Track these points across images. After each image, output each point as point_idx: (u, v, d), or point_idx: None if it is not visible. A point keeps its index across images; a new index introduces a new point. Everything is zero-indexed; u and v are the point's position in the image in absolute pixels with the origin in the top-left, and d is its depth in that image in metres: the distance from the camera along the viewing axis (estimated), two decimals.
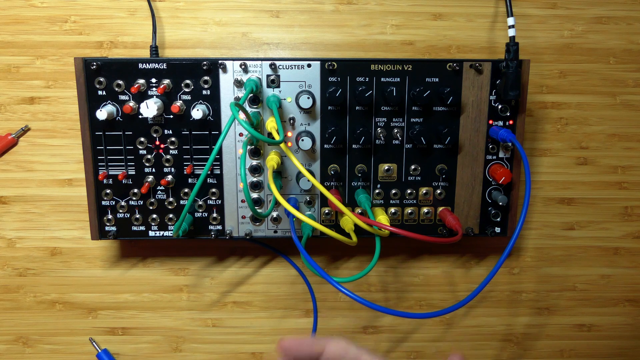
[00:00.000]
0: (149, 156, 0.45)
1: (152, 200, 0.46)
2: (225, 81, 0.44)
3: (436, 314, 0.36)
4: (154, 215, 0.47)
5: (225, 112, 0.45)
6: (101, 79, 0.43)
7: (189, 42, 0.50)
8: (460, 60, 0.44)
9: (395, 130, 0.45)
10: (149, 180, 0.45)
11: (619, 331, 0.57)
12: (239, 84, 0.44)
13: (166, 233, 0.47)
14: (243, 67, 0.44)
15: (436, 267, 0.54)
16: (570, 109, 0.52)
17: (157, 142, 0.45)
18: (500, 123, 0.46)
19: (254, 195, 0.46)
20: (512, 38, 0.45)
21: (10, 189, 0.51)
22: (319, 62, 0.44)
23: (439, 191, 0.47)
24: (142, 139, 0.45)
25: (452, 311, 0.36)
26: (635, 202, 0.54)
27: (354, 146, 0.46)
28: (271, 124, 0.42)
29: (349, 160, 0.46)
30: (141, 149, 0.45)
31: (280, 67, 0.44)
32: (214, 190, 0.46)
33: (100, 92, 0.44)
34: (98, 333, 0.54)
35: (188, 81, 0.44)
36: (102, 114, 0.43)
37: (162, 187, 0.46)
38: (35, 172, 0.51)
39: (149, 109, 0.42)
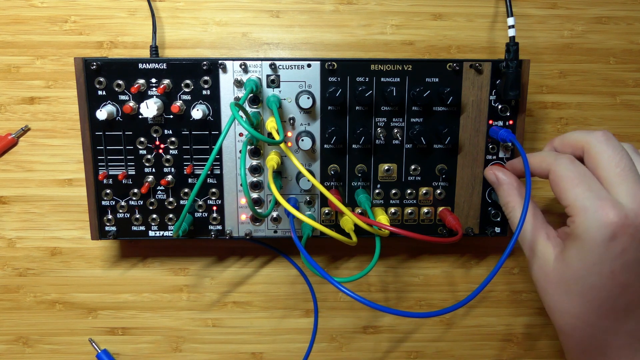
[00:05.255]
0: (149, 156, 0.45)
1: (152, 200, 0.46)
2: (225, 81, 0.44)
3: (436, 314, 0.36)
4: (154, 215, 0.47)
5: (225, 112, 0.45)
6: (101, 79, 0.43)
7: (189, 42, 0.50)
8: (460, 60, 0.44)
9: (395, 130, 0.45)
10: (149, 180, 0.45)
11: None
12: (239, 84, 0.44)
13: (166, 233, 0.47)
14: (243, 67, 0.44)
15: (436, 267, 0.54)
16: (570, 109, 0.52)
17: (157, 142, 0.45)
18: (500, 123, 0.46)
19: (254, 195, 0.46)
20: (512, 38, 0.45)
21: (10, 189, 0.51)
22: (319, 62, 0.44)
23: (439, 191, 0.47)
24: (142, 139, 0.45)
25: (452, 311, 0.36)
26: None
27: (354, 146, 0.46)
28: (271, 124, 0.42)
29: (349, 160, 0.46)
30: (141, 149, 0.45)
31: (280, 67, 0.44)
32: (214, 190, 0.46)
33: (100, 92, 0.44)
34: (98, 333, 0.54)
35: (188, 81, 0.44)
36: (102, 114, 0.43)
37: (162, 187, 0.46)
38: (35, 172, 0.51)
39: (149, 109, 0.42)
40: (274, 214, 0.47)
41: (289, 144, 0.45)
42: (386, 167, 0.46)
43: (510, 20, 0.45)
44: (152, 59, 0.44)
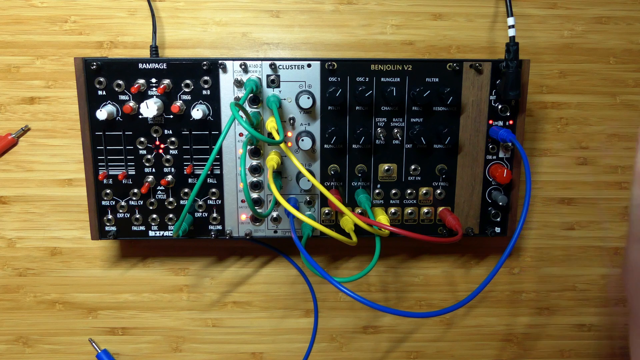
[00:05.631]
0: (149, 156, 0.45)
1: (152, 200, 0.46)
2: (225, 81, 0.44)
3: (436, 314, 0.36)
4: (154, 215, 0.47)
5: (225, 112, 0.45)
6: (101, 79, 0.43)
7: (189, 42, 0.50)
8: (460, 60, 0.44)
9: (395, 130, 0.45)
10: (149, 180, 0.45)
11: (619, 331, 0.57)
12: (239, 84, 0.44)
13: (166, 233, 0.47)
14: (243, 67, 0.44)
15: (436, 267, 0.54)
16: (570, 109, 0.52)
17: (157, 142, 0.45)
18: (500, 123, 0.46)
19: (254, 195, 0.46)
20: (512, 38, 0.45)
21: (10, 189, 0.51)
22: (319, 62, 0.44)
23: (439, 191, 0.47)
24: (142, 139, 0.45)
25: (452, 311, 0.36)
26: None
27: (354, 146, 0.46)
28: (271, 124, 0.42)
29: (349, 160, 0.46)
30: (141, 149, 0.45)
31: (280, 67, 0.44)
32: (214, 190, 0.46)
33: (100, 92, 0.44)
34: (98, 333, 0.54)
35: (188, 81, 0.44)
36: (102, 114, 0.43)
37: (162, 187, 0.46)
38: (35, 172, 0.51)
39: (149, 109, 0.42)
40: (274, 214, 0.47)
41: (289, 144, 0.45)
42: (386, 167, 0.46)
43: (510, 20, 0.45)
44: (152, 59, 0.44)
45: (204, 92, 0.44)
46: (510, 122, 0.46)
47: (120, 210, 0.46)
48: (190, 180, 0.46)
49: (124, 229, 0.47)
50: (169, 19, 0.50)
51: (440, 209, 0.47)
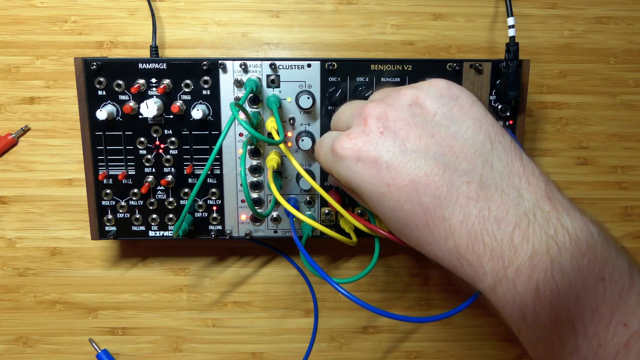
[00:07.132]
0: (149, 156, 0.45)
1: (152, 200, 0.46)
2: (225, 81, 0.44)
3: (436, 318, 0.36)
4: (154, 215, 0.47)
5: (225, 112, 0.45)
6: (101, 79, 0.43)
7: (189, 42, 0.50)
8: (460, 60, 0.44)
9: None
10: (149, 180, 0.45)
11: None
12: (239, 84, 0.44)
13: (166, 233, 0.47)
14: (243, 67, 0.43)
15: (436, 267, 0.54)
16: (570, 109, 0.52)
17: (157, 142, 0.45)
18: (501, 123, 0.46)
19: (254, 195, 0.46)
20: (512, 38, 0.45)
21: (10, 189, 0.51)
22: (319, 62, 0.44)
23: None
24: (142, 139, 0.45)
25: (453, 315, 0.36)
26: (635, 202, 0.54)
27: None
28: (271, 124, 0.42)
29: None
30: (141, 149, 0.45)
31: (280, 67, 0.44)
32: (214, 190, 0.46)
33: (100, 92, 0.44)
34: (98, 333, 0.54)
35: (188, 81, 0.44)
36: (102, 114, 0.43)
37: (162, 187, 0.46)
38: (35, 172, 0.51)
39: (149, 109, 0.42)
40: (274, 214, 0.47)
41: (289, 144, 0.45)
42: None
43: (510, 20, 0.45)
44: (152, 59, 0.44)
45: (204, 92, 0.44)
46: (510, 122, 0.46)
47: (120, 210, 0.46)
48: (190, 180, 0.46)
49: (124, 229, 0.47)
50: (169, 19, 0.50)
51: None
